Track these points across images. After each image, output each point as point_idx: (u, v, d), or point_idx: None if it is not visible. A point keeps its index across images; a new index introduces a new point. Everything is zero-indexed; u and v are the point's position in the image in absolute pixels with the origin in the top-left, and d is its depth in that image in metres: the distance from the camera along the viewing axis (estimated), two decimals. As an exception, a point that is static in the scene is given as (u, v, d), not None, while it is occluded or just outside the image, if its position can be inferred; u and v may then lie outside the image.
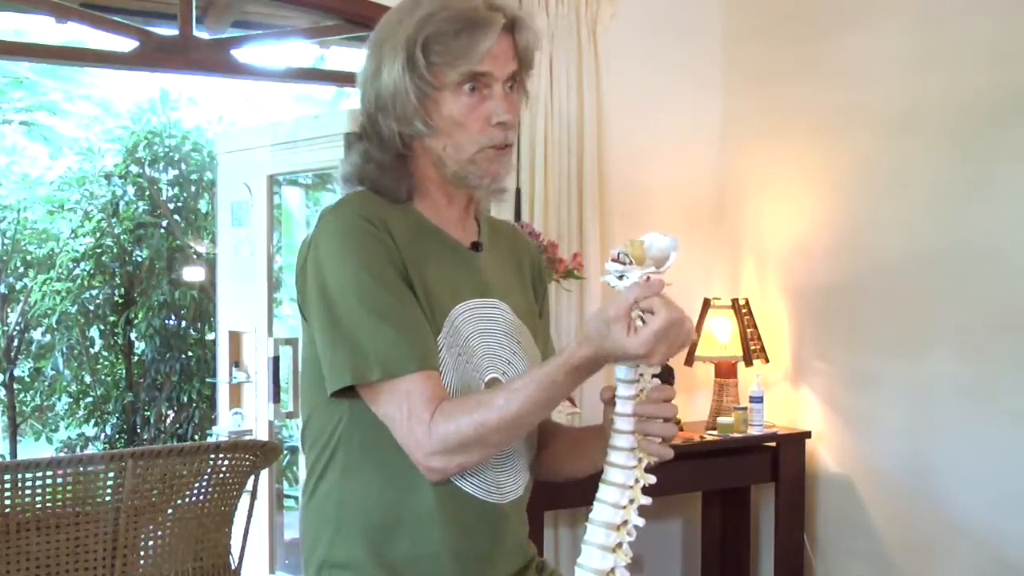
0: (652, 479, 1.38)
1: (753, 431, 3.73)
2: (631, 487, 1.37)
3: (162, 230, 7.24)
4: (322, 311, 1.46)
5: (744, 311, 3.82)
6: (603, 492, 1.38)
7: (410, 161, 1.54)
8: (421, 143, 1.52)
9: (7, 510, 2.68)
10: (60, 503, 2.77)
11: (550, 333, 1.77)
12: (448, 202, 1.57)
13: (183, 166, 7.36)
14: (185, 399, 7.16)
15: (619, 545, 1.37)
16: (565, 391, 1.41)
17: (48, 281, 7.16)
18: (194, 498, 2.98)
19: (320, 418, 1.53)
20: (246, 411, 4.78)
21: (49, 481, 2.75)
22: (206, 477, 2.98)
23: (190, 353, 7.19)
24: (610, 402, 1.41)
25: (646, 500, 1.38)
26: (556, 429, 1.72)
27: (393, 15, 1.54)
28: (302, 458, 5.09)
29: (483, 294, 1.57)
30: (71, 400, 7.40)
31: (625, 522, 1.37)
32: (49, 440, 7.52)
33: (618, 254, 1.35)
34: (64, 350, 7.31)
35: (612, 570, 1.36)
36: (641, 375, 1.37)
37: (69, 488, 2.79)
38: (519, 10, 1.55)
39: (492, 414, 1.39)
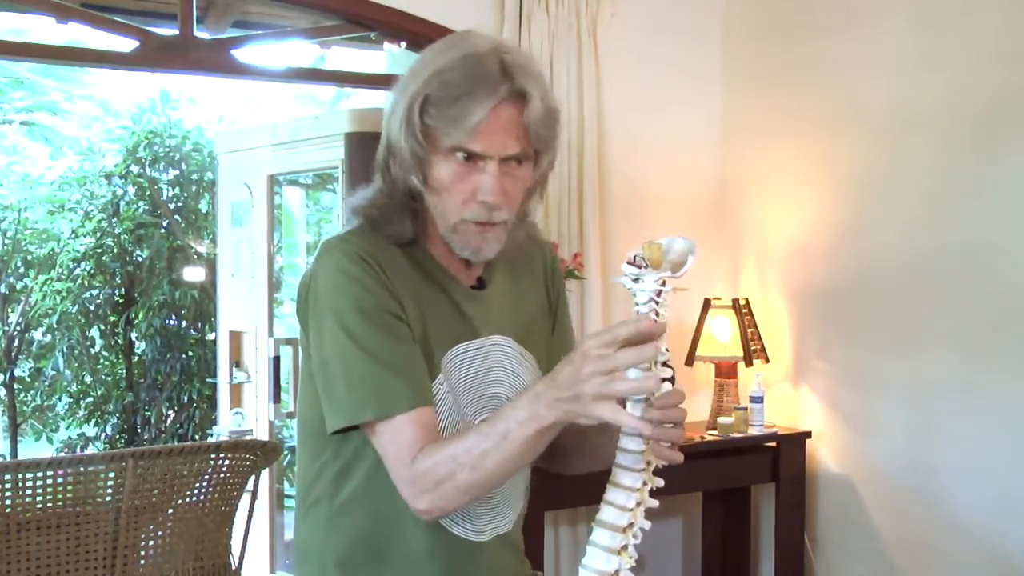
0: (660, 482, 1.37)
1: (753, 431, 3.74)
2: (638, 490, 1.35)
3: (162, 230, 7.24)
4: (319, 350, 1.47)
5: (744, 311, 3.82)
6: (610, 494, 1.36)
7: (421, 204, 1.51)
8: (423, 194, 1.49)
9: (7, 510, 2.68)
10: (60, 503, 2.77)
11: (570, 335, 1.74)
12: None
13: (183, 166, 7.35)
14: (185, 399, 7.16)
15: (624, 547, 1.35)
16: (523, 429, 1.34)
17: (48, 281, 7.16)
18: (194, 498, 2.98)
19: (314, 447, 1.55)
20: (246, 411, 4.79)
21: (49, 481, 2.75)
22: (206, 477, 2.98)
23: (190, 353, 7.19)
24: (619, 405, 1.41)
25: (653, 503, 1.36)
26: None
27: (424, 55, 1.49)
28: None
29: (480, 334, 1.55)
30: (71, 400, 7.40)
31: (631, 524, 1.35)
32: (49, 440, 7.52)
33: (634, 257, 1.33)
34: (64, 350, 7.30)
35: (616, 572, 1.35)
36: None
37: (69, 488, 2.79)
38: (533, 83, 1.44)
39: (461, 448, 1.37)
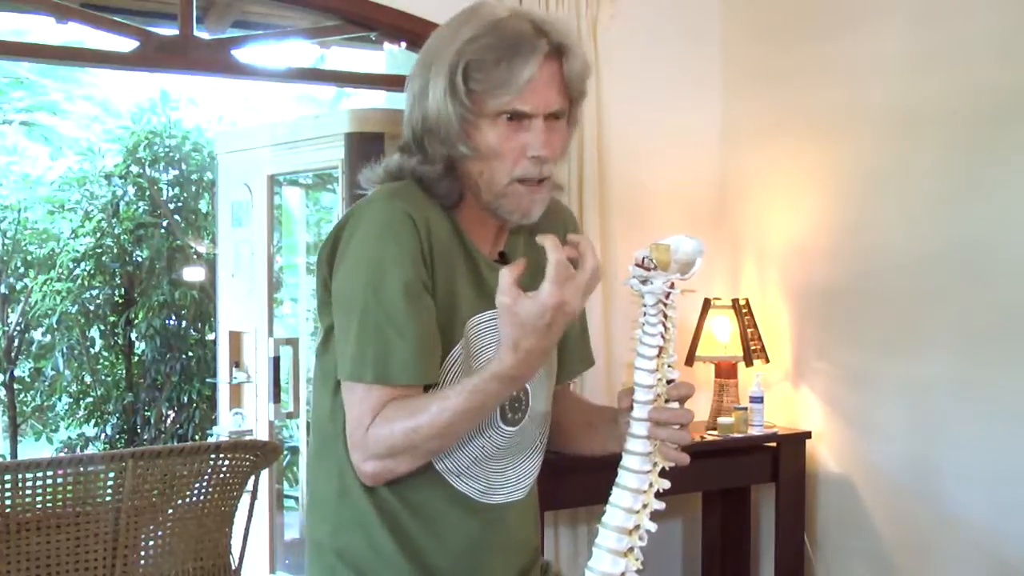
0: (666, 484, 1.37)
1: (753, 431, 3.73)
2: (644, 492, 1.36)
3: (162, 230, 7.24)
4: (342, 297, 1.49)
5: (744, 311, 3.82)
6: (616, 496, 1.36)
7: (459, 173, 1.52)
8: (465, 165, 1.50)
9: (7, 510, 2.69)
10: (60, 503, 2.77)
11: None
12: (486, 217, 1.54)
13: (183, 166, 7.35)
14: (185, 399, 7.15)
15: (630, 550, 1.35)
16: (496, 399, 1.43)
17: (48, 281, 7.16)
18: (194, 498, 2.99)
19: (325, 406, 1.56)
20: (246, 411, 4.79)
21: (49, 481, 2.75)
22: (206, 477, 2.99)
23: (190, 353, 7.19)
24: (627, 407, 1.41)
25: (659, 505, 1.36)
26: (572, 405, 1.73)
27: (443, 32, 1.52)
28: (302, 458, 5.11)
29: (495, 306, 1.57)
30: (71, 400, 7.39)
31: (637, 527, 1.35)
32: (49, 440, 7.52)
33: (642, 259, 1.33)
34: (64, 350, 7.30)
35: (622, 575, 1.34)
36: (659, 379, 1.36)
37: (69, 488, 2.79)
38: (568, 37, 1.49)
39: (424, 420, 1.41)
